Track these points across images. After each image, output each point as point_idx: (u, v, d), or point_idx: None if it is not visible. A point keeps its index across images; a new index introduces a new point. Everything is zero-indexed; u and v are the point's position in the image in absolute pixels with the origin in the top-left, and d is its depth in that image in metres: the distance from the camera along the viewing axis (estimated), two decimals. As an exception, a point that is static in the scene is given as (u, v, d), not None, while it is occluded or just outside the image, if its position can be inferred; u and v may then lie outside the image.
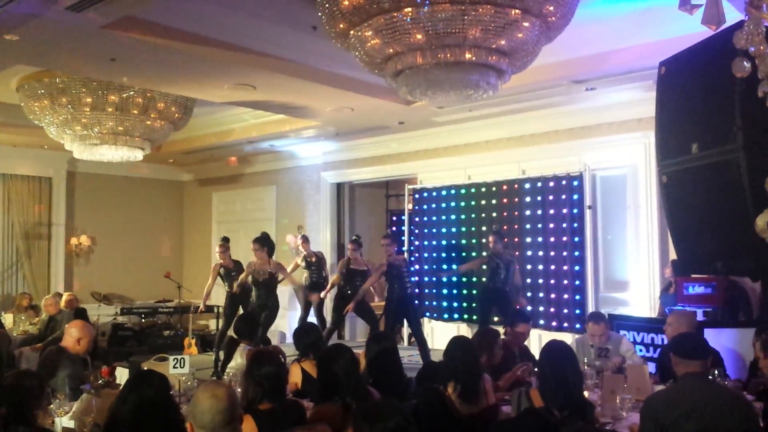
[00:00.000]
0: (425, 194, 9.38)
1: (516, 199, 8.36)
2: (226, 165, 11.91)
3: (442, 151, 9.36)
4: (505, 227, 8.28)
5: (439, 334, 8.88)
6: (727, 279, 6.10)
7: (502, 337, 5.05)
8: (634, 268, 7.65)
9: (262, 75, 6.64)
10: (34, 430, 2.97)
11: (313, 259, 9.01)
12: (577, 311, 7.64)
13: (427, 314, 9.20)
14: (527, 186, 8.24)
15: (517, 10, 4.29)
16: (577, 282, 7.70)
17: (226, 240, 8.61)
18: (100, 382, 3.95)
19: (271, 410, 3.05)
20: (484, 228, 8.59)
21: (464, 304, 8.83)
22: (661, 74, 4.93)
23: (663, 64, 4.92)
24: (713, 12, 2.73)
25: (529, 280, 8.07)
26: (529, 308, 7.79)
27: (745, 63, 2.69)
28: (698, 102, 4.48)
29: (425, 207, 9.37)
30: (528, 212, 8.22)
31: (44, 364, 4.40)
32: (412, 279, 8.35)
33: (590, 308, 7.37)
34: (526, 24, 4.38)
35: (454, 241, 8.98)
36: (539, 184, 8.09)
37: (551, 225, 7.98)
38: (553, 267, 7.94)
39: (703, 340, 3.49)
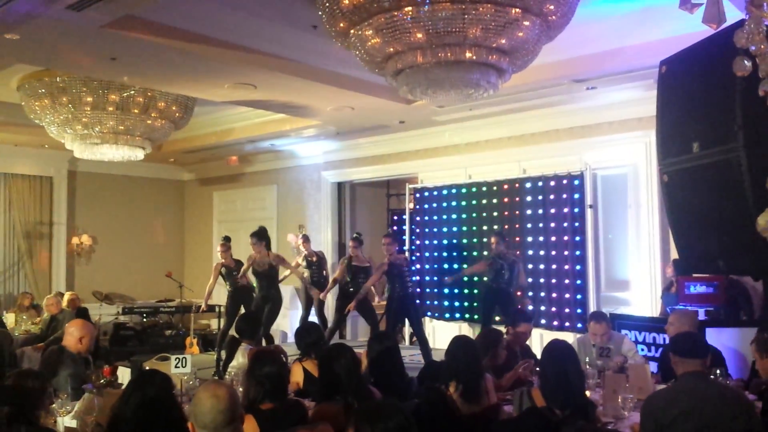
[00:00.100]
0: (426, 193, 9.37)
1: (517, 199, 8.35)
2: (227, 164, 11.91)
3: (443, 151, 9.36)
4: (506, 227, 8.28)
5: (441, 333, 8.88)
6: (728, 278, 6.10)
7: (505, 337, 5.06)
8: (635, 267, 7.64)
9: (262, 74, 6.64)
10: (36, 430, 2.98)
11: (314, 259, 9.01)
12: (579, 311, 7.63)
13: (429, 314, 9.19)
14: (528, 185, 8.23)
15: (517, 9, 4.30)
16: (579, 281, 7.70)
17: (227, 239, 8.61)
18: (101, 381, 3.95)
19: (273, 410, 3.05)
20: (484, 227, 8.59)
21: (465, 304, 8.83)
22: (661, 73, 4.93)
23: (664, 63, 4.92)
24: (714, 11, 2.73)
25: (530, 280, 8.06)
26: (530, 308, 7.79)
27: (745, 62, 2.69)
28: (699, 101, 4.47)
29: (426, 206, 9.37)
30: (529, 211, 8.21)
31: (46, 364, 4.40)
32: (413, 278, 8.35)
33: (591, 308, 7.36)
34: (526, 23, 4.39)
35: (454, 240, 8.97)
36: (540, 183, 8.08)
37: (552, 224, 7.97)
38: (554, 266, 7.94)
39: (701, 338, 3.49)
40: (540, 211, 8.10)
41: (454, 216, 8.99)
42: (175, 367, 4.06)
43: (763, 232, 3.22)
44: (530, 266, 8.11)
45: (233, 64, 6.35)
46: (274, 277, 7.99)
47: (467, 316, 8.80)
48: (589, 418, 3.21)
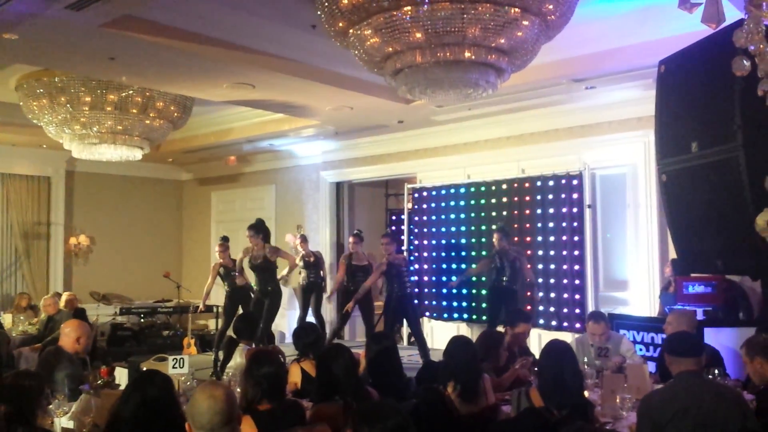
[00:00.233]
0: (425, 193, 9.37)
1: (515, 198, 8.35)
2: (226, 164, 11.90)
3: (442, 150, 9.35)
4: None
5: (439, 333, 8.86)
6: (725, 279, 6.10)
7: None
8: (633, 267, 7.64)
9: (261, 74, 6.63)
10: (33, 431, 2.97)
11: (311, 259, 8.98)
12: (577, 310, 7.62)
13: (427, 314, 9.19)
14: (527, 185, 8.23)
15: (516, 9, 4.29)
16: (577, 281, 7.69)
17: (225, 239, 8.58)
18: (99, 382, 3.94)
19: (271, 410, 3.05)
20: (483, 227, 8.58)
21: (464, 304, 8.82)
22: (660, 73, 4.94)
23: (663, 63, 4.93)
24: (713, 10, 2.73)
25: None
26: (528, 307, 7.78)
27: (744, 61, 2.69)
28: (698, 101, 4.48)
29: (425, 206, 9.36)
30: (527, 211, 8.21)
31: (43, 364, 4.38)
32: (412, 278, 8.34)
33: (590, 307, 7.35)
34: (525, 22, 4.39)
35: (453, 241, 8.97)
36: (539, 183, 8.08)
37: (551, 224, 7.97)
38: (552, 266, 7.93)
39: (696, 337, 3.49)
40: (539, 211, 8.09)
41: (452, 216, 8.98)
42: (173, 367, 4.06)
43: (761, 232, 3.22)
44: (529, 266, 8.10)
45: (232, 63, 6.34)
46: (273, 272, 7.73)
47: (465, 316, 8.79)
48: (588, 418, 3.20)
